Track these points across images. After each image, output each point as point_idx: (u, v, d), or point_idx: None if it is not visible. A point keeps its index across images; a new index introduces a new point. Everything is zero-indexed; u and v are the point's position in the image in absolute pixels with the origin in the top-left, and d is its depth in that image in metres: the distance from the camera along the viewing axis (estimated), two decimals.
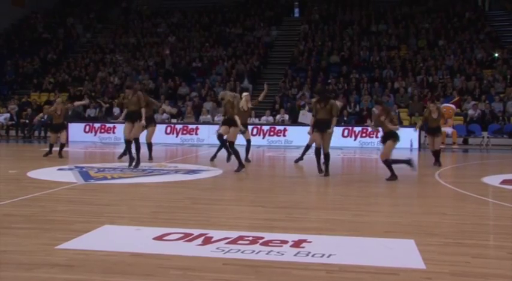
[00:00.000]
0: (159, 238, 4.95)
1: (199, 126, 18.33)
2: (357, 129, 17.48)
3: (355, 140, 17.33)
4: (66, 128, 13.29)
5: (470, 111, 18.50)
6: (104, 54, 25.64)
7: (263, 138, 17.82)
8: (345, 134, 17.17)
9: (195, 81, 22.70)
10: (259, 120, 19.07)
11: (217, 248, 4.58)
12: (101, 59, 25.18)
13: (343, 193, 8.07)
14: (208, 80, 22.43)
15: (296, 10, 28.34)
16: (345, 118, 18.87)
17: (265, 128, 17.85)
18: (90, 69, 24.25)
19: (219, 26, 26.58)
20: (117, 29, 28.05)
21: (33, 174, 9.45)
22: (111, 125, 18.61)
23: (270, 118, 18.94)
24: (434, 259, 4.33)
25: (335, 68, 22.39)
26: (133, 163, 10.30)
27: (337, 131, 17.37)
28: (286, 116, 18.85)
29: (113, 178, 9.07)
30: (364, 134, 17.37)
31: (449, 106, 17.90)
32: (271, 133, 17.65)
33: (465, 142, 18.49)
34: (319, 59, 22.98)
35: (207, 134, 17.61)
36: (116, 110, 19.26)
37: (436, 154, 11.64)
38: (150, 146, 11.52)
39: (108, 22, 29.18)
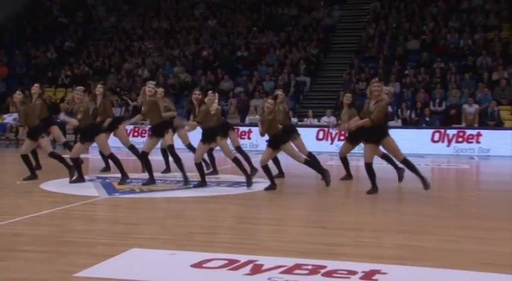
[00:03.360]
0: (198, 265, 4.98)
1: (252, 128, 17.99)
2: (451, 132, 17.19)
3: (448, 145, 17.02)
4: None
5: None
6: (131, 41, 26.21)
7: (331, 143, 17.67)
8: (435, 138, 16.84)
9: (240, 74, 22.86)
10: (319, 121, 18.91)
11: (269, 279, 4.58)
12: (128, 48, 25.74)
13: (425, 213, 7.89)
14: (256, 72, 22.54)
15: None
16: (427, 118, 18.54)
17: (334, 131, 17.49)
18: (115, 60, 24.80)
19: (269, 6, 26.69)
20: (146, 11, 28.61)
21: (47, 186, 9.70)
22: (146, 128, 18.61)
23: (332, 119, 18.38)
24: None
25: (414, 56, 22.12)
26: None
27: (424, 133, 17.04)
28: None
29: (141, 191, 9.21)
30: (460, 139, 17.01)
31: None
32: (342, 137, 17.36)
33: None
34: (393, 45, 22.73)
35: (261, 138, 17.47)
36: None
37: None
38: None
39: (136, 3, 29.78)
